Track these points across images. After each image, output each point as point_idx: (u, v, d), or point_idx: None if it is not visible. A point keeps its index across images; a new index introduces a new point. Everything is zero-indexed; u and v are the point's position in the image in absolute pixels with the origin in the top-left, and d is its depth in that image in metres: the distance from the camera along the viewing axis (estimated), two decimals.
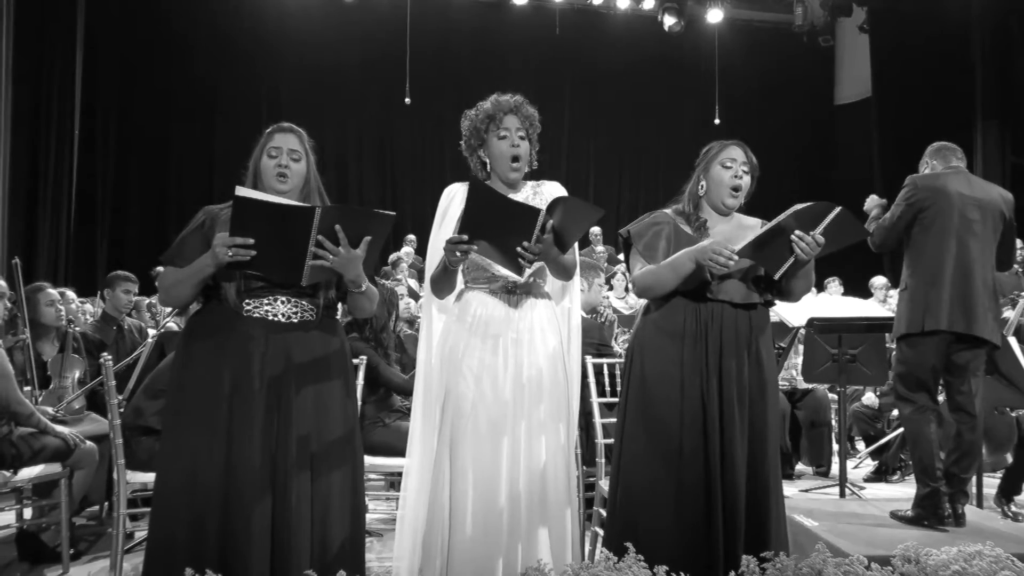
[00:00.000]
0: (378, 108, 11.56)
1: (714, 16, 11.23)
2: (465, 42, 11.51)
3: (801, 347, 5.03)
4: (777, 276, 2.29)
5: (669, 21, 11.02)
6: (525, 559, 2.26)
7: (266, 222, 1.94)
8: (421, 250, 9.36)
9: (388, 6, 11.04)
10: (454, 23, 11.32)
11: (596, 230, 9.95)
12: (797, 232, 2.20)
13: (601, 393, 3.14)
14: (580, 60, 11.98)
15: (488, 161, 2.42)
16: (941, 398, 3.47)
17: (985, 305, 3.06)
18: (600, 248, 9.66)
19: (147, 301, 6.41)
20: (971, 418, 3.09)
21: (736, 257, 2.20)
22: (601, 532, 2.88)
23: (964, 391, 3.11)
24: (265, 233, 1.95)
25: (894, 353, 3.23)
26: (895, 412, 4.85)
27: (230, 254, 1.95)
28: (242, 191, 1.97)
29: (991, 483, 4.26)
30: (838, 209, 2.19)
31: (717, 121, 11.56)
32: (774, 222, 2.22)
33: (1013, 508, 4.14)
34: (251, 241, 1.95)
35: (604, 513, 2.74)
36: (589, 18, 11.82)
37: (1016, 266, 7.29)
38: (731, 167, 2.40)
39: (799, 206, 2.19)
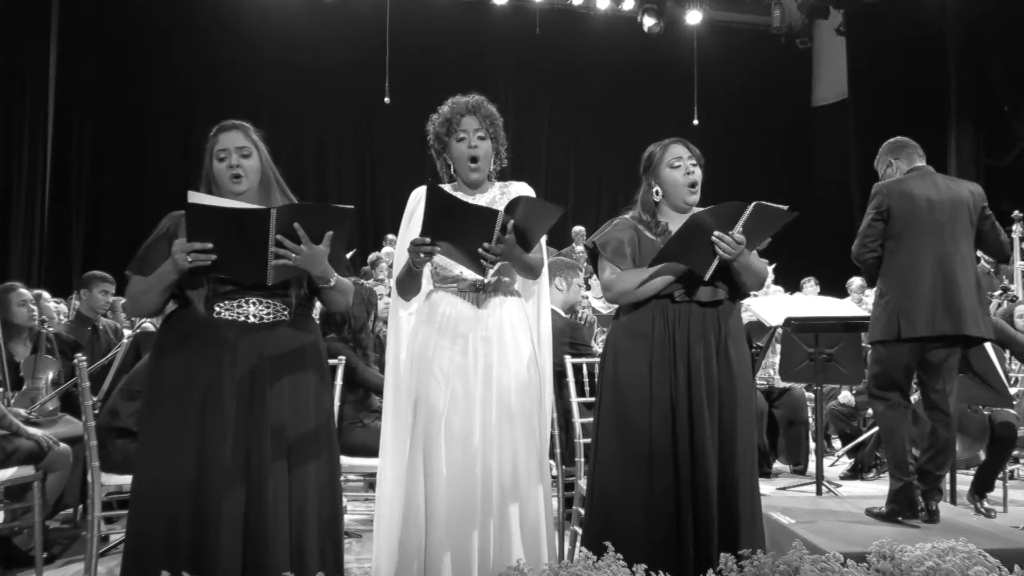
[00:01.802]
0: (358, 108, 11.51)
1: (693, 17, 11.30)
2: (445, 42, 11.48)
3: (778, 346, 5.07)
4: (706, 277, 2.31)
5: (649, 22, 11.07)
6: (498, 537, 2.29)
7: (222, 226, 1.92)
8: None
9: (368, 6, 11.00)
10: (434, 22, 11.30)
11: (578, 229, 9.97)
12: (717, 233, 2.23)
13: (580, 393, 3.15)
14: (560, 60, 11.99)
15: (451, 164, 2.45)
16: (915, 396, 3.52)
17: (974, 303, 3.06)
18: (580, 248, 9.67)
19: (123, 301, 6.34)
20: (946, 416, 3.11)
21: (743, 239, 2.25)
22: (581, 531, 2.89)
23: (939, 389, 3.13)
24: (223, 237, 1.92)
25: (869, 352, 3.25)
26: (871, 410, 4.90)
27: (190, 260, 1.93)
28: (194, 196, 1.94)
29: (964, 480, 4.32)
30: (752, 205, 2.23)
31: (696, 122, 11.63)
32: (688, 220, 2.26)
33: (986, 504, 4.20)
34: (209, 246, 1.92)
35: (583, 512, 2.75)
36: (569, 18, 11.84)
37: (987, 266, 7.41)
38: (680, 165, 2.42)
39: (712, 206, 2.23)
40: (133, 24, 10.55)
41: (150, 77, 10.65)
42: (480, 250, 2.12)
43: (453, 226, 2.13)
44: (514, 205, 2.13)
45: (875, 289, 3.26)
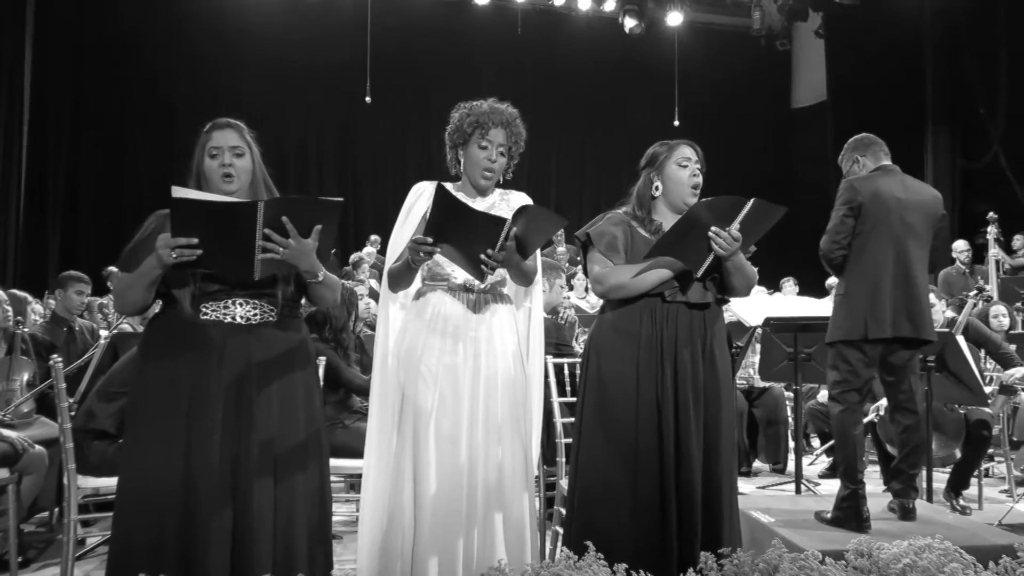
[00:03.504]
0: (339, 107, 11.46)
1: (674, 19, 11.35)
2: (426, 42, 11.46)
3: (758, 346, 5.10)
4: (699, 274, 2.31)
5: (630, 23, 11.10)
6: (482, 542, 2.29)
7: (208, 221, 1.89)
8: (384, 250, 9.30)
9: (349, 5, 10.95)
10: (415, 22, 11.27)
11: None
12: (714, 228, 2.24)
13: (561, 393, 3.16)
14: (542, 61, 12.01)
15: (463, 162, 2.44)
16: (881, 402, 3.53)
17: (927, 308, 3.07)
18: (561, 249, 9.69)
19: (99, 302, 6.26)
20: (914, 416, 3.09)
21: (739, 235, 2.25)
22: (562, 531, 2.89)
23: (905, 390, 3.10)
24: (209, 232, 1.90)
25: (829, 354, 3.19)
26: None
27: (174, 255, 1.91)
28: (178, 191, 1.90)
29: (940, 478, 4.37)
30: (752, 202, 2.22)
31: (676, 123, 11.68)
32: (686, 212, 2.27)
33: (961, 502, 4.25)
34: (195, 241, 1.90)
35: (564, 512, 2.75)
36: (551, 19, 11.86)
37: (962, 266, 7.51)
38: (687, 166, 2.43)
39: (711, 198, 2.23)
40: (111, 21, 10.43)
41: (128, 76, 10.53)
42: (482, 256, 2.12)
43: (458, 230, 2.12)
44: (519, 214, 2.12)
45: (836, 286, 3.20)
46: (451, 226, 2.12)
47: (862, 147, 3.26)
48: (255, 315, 2.07)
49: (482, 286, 2.36)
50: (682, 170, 2.42)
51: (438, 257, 2.31)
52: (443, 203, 2.11)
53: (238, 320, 2.06)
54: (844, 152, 3.32)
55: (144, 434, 2.02)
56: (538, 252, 2.47)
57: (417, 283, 2.44)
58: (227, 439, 1.99)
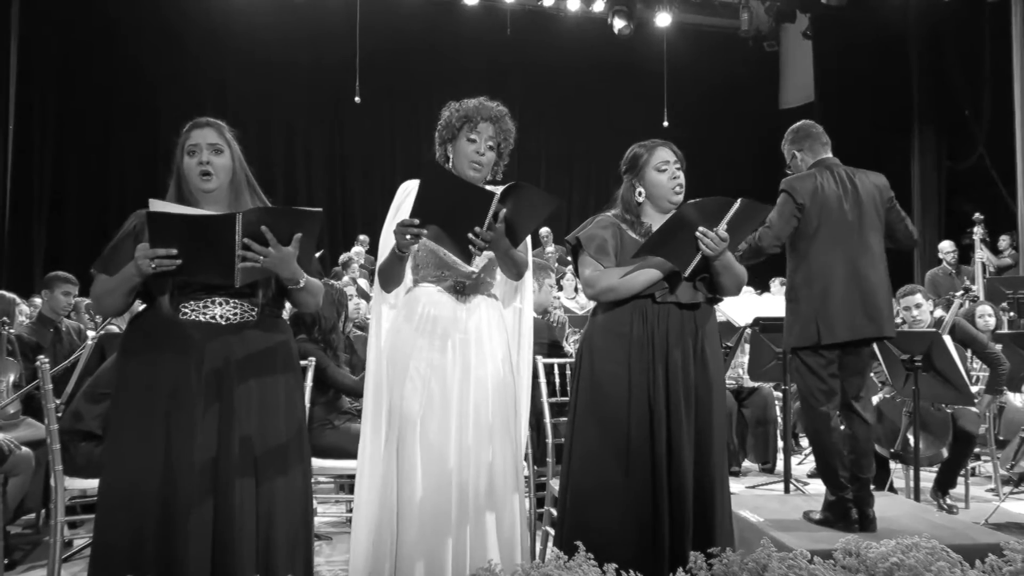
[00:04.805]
0: (328, 108, 11.44)
1: (663, 20, 11.37)
2: (416, 42, 11.44)
3: (747, 346, 5.12)
4: (687, 274, 2.32)
5: (619, 24, 11.11)
6: (473, 544, 2.28)
7: (186, 234, 1.89)
8: (373, 250, 9.29)
9: (339, 4, 10.93)
10: (405, 22, 11.26)
11: (546, 231, 10.00)
12: (701, 228, 2.25)
13: (552, 393, 3.16)
14: (531, 61, 12.02)
15: (452, 157, 2.43)
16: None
17: (888, 303, 3.00)
18: (550, 248, 9.70)
19: (86, 302, 6.23)
20: (864, 422, 3.00)
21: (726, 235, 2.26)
22: (552, 531, 2.89)
23: (854, 393, 3.02)
24: (188, 242, 1.90)
25: (792, 363, 3.07)
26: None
27: (153, 266, 1.90)
28: (156, 205, 1.91)
29: (927, 477, 4.40)
30: (739, 202, 2.24)
31: (666, 124, 11.72)
32: (674, 213, 2.28)
33: (948, 501, 4.28)
34: (174, 251, 1.89)
35: (555, 512, 2.75)
36: (540, 20, 11.86)
37: (949, 267, 7.57)
38: (667, 169, 2.44)
39: (699, 200, 2.25)
40: (97, 23, 10.36)
41: (114, 76, 10.46)
42: (470, 235, 2.09)
43: (446, 206, 2.08)
44: (509, 192, 2.09)
45: (785, 291, 3.16)
46: (439, 203, 2.08)
47: (799, 140, 3.18)
48: (235, 315, 2.06)
49: (472, 269, 2.35)
50: (662, 174, 2.43)
51: (423, 254, 2.29)
52: (433, 177, 2.09)
53: (217, 320, 2.05)
54: (784, 141, 3.25)
55: (124, 434, 2.02)
56: (530, 249, 2.47)
57: (408, 283, 2.44)
58: (207, 439, 1.98)
